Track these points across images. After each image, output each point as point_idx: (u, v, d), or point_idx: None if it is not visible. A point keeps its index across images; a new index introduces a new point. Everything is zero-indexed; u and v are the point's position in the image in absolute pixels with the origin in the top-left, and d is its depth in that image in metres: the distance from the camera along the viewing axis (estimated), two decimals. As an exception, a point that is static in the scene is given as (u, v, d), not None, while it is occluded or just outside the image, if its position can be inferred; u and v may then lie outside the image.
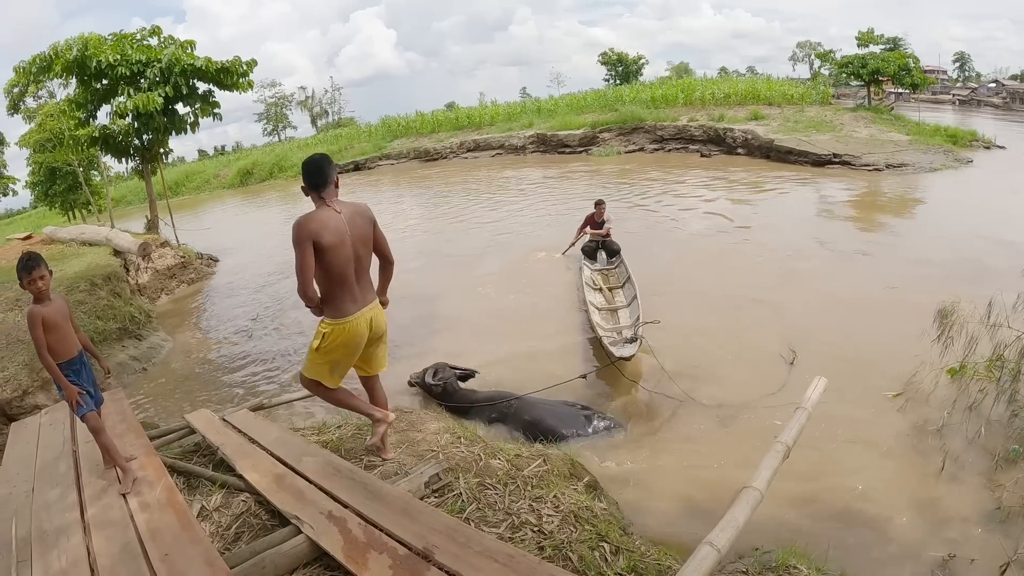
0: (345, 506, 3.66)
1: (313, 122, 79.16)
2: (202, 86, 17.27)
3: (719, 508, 4.70)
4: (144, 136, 17.52)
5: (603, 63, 54.64)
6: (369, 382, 4.31)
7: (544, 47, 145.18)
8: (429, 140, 38.21)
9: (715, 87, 31.44)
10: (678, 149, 27.02)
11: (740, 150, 24.35)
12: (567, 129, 31.15)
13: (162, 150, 18.67)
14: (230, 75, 16.69)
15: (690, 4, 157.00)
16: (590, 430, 6.23)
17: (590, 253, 11.70)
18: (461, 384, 7.27)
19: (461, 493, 3.85)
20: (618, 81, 52.06)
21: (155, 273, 15.41)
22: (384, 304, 4.22)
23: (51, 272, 4.37)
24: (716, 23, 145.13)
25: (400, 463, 4.29)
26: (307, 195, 3.84)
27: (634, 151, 28.14)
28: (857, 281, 9.72)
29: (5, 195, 43.86)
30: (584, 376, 7.36)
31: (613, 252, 11.55)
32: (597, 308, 9.40)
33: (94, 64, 15.74)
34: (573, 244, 12.39)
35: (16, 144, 29.28)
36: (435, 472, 3.99)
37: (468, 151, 35.08)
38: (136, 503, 4.00)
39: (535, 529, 3.53)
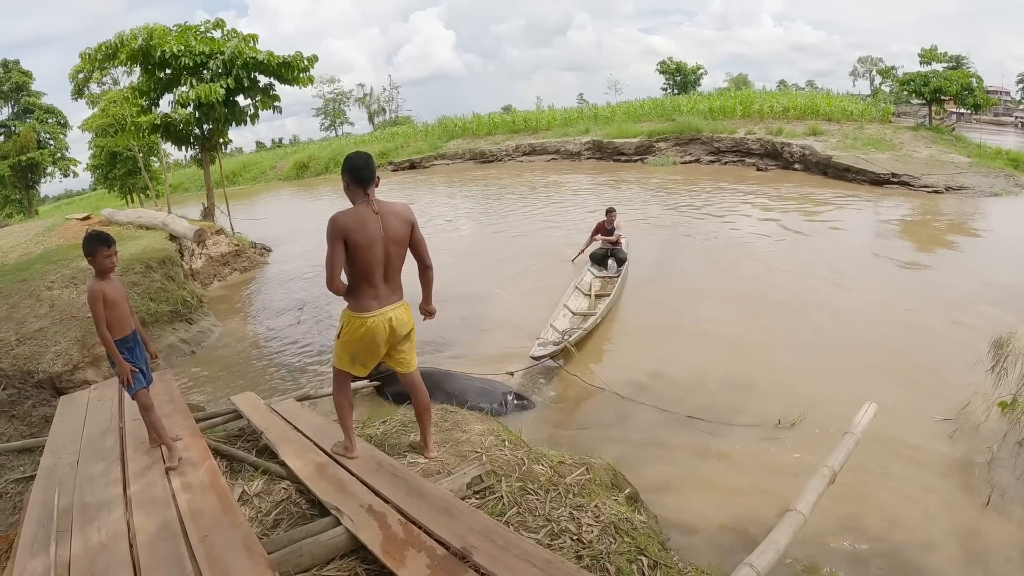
0: (386, 501, 3.65)
1: (370, 119, 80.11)
2: (263, 79, 17.54)
3: (755, 525, 4.62)
4: (204, 126, 17.85)
5: (661, 72, 54.22)
6: (406, 380, 4.28)
7: (602, 53, 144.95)
8: (485, 142, 38.39)
9: (774, 100, 30.90)
10: (734, 162, 26.64)
11: (797, 165, 23.90)
12: (623, 137, 30.90)
13: (221, 140, 19.06)
14: (291, 70, 16.95)
15: (750, 15, 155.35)
16: (501, 405, 6.90)
17: (599, 260, 11.85)
18: None
19: (502, 496, 3.81)
20: (676, 91, 51.59)
21: (209, 259, 15.73)
22: (430, 314, 4.31)
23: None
24: (776, 35, 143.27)
25: (443, 462, 4.27)
26: (347, 190, 3.87)
27: (690, 162, 27.83)
28: (911, 304, 9.45)
29: (66, 176, 45.76)
30: (511, 373, 7.83)
31: (621, 261, 11.64)
32: (571, 311, 9.60)
33: (158, 54, 16.10)
34: (582, 251, 12.43)
35: (79, 128, 30.27)
36: (478, 473, 3.97)
37: (523, 155, 35.13)
38: (179, 483, 4.04)
39: (574, 537, 3.48)
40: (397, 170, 39.07)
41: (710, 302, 10.12)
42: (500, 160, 35.48)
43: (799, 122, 27.71)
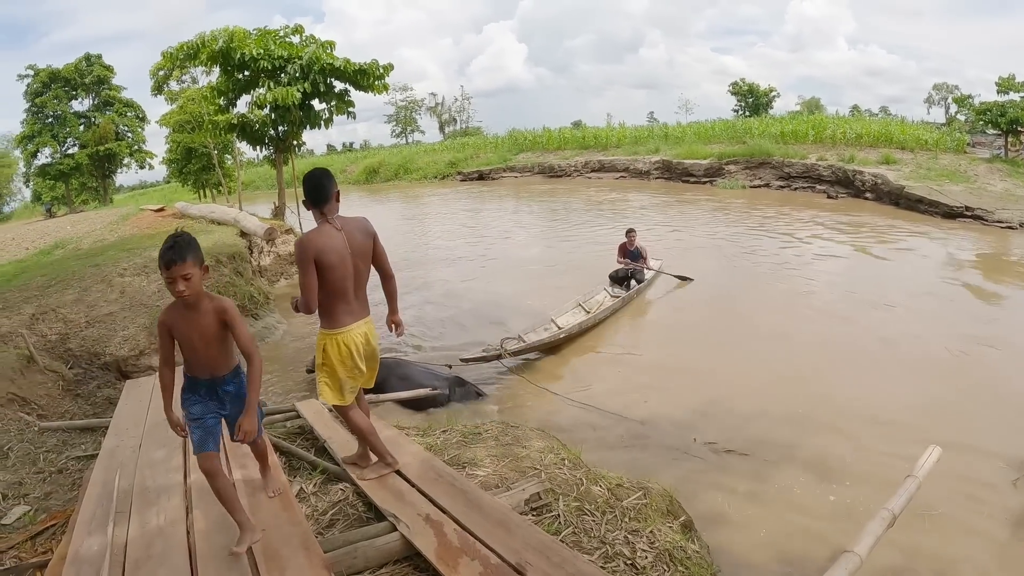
0: (443, 511, 3.64)
1: (441, 128, 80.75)
2: (339, 85, 17.82)
3: (809, 564, 4.48)
4: (280, 127, 18.24)
5: (733, 93, 53.72)
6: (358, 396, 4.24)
7: (674, 72, 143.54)
8: (554, 156, 38.34)
9: (846, 126, 30.07)
10: (804, 188, 26.02)
11: (868, 194, 23.24)
12: (693, 158, 30.50)
13: (295, 142, 19.43)
14: (367, 77, 17.19)
15: (824, 37, 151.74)
16: (450, 390, 7.69)
17: (618, 280, 11.91)
18: None
19: (559, 515, 3.77)
20: (747, 112, 51.00)
21: (277, 257, 16.07)
22: (398, 324, 4.34)
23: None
24: (849, 58, 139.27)
25: (502, 476, 4.24)
26: (308, 209, 3.85)
27: (759, 186, 27.31)
28: (980, 342, 9.04)
29: (142, 168, 47.44)
30: (450, 366, 8.45)
31: (640, 282, 11.75)
32: (556, 326, 9.84)
33: (238, 56, 16.51)
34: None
35: (157, 122, 31.30)
36: (537, 491, 3.94)
37: (592, 171, 34.98)
38: (240, 476, 4.09)
39: (628, 562, 3.42)
40: (465, 180, 39.43)
41: (768, 328, 9.91)
42: (568, 175, 35.38)
43: (872, 149, 26.98)
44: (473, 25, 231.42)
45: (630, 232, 12.13)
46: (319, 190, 3.77)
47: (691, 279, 12.28)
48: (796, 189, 26.24)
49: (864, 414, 6.99)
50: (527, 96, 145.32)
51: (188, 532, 3.59)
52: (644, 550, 3.54)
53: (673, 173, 31.17)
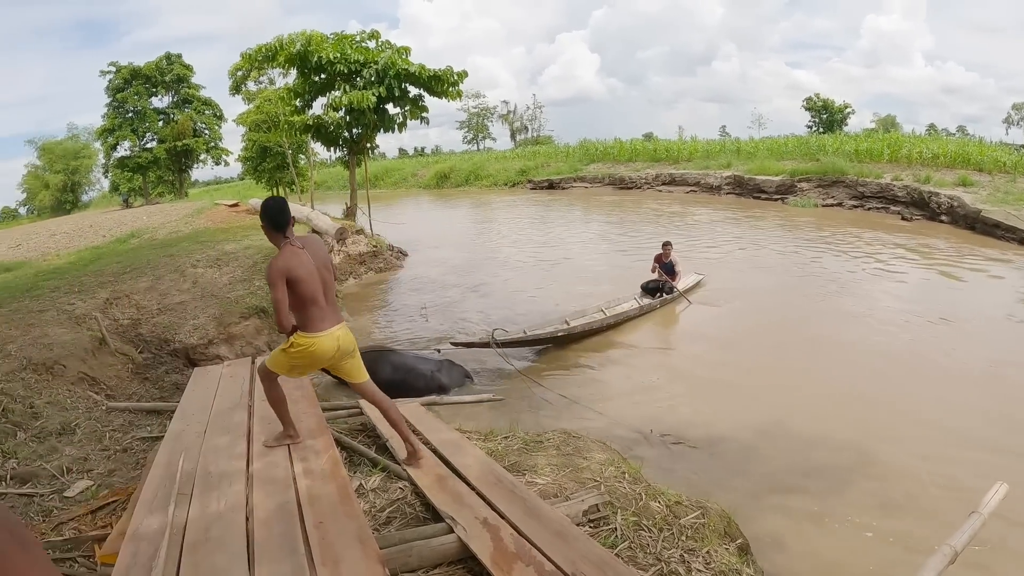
0: (501, 516, 3.61)
1: (512, 136, 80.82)
2: (413, 90, 18.17)
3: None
4: (354, 130, 18.70)
5: (807, 108, 52.80)
6: (361, 390, 4.48)
7: (747, 86, 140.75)
8: (625, 168, 37.83)
9: (923, 145, 28.90)
10: (878, 208, 25.10)
11: (944, 217, 22.35)
12: (765, 174, 29.73)
13: (369, 145, 19.83)
14: (441, 83, 17.51)
15: (901, 52, 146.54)
16: (437, 370, 8.20)
17: (649, 291, 12.00)
18: None
19: (616, 528, 3.72)
20: (821, 129, 49.92)
21: (347, 257, 16.29)
22: None
23: None
24: (926, 75, 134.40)
25: (561, 486, 4.20)
26: (267, 233, 4.24)
27: (832, 205, 26.44)
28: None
29: (218, 164, 49.04)
30: (438, 350, 9.22)
31: (667, 294, 11.93)
32: (567, 323, 10.24)
33: (315, 59, 17.02)
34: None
35: (233, 121, 32.24)
36: (595, 503, 3.88)
37: (663, 184, 34.41)
38: (301, 468, 4.13)
39: (682, 582, 3.33)
40: (535, 188, 39.36)
41: (831, 348, 9.61)
42: (639, 188, 34.93)
43: (948, 170, 25.95)
44: (546, 34, 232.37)
45: (666, 244, 12.23)
46: (282, 214, 4.18)
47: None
48: (869, 209, 25.38)
49: (930, 443, 6.73)
50: (599, 106, 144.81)
51: (247, 519, 3.63)
52: (699, 570, 3.47)
53: (744, 189, 30.49)
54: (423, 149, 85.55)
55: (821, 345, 9.77)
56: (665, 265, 12.10)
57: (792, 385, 8.37)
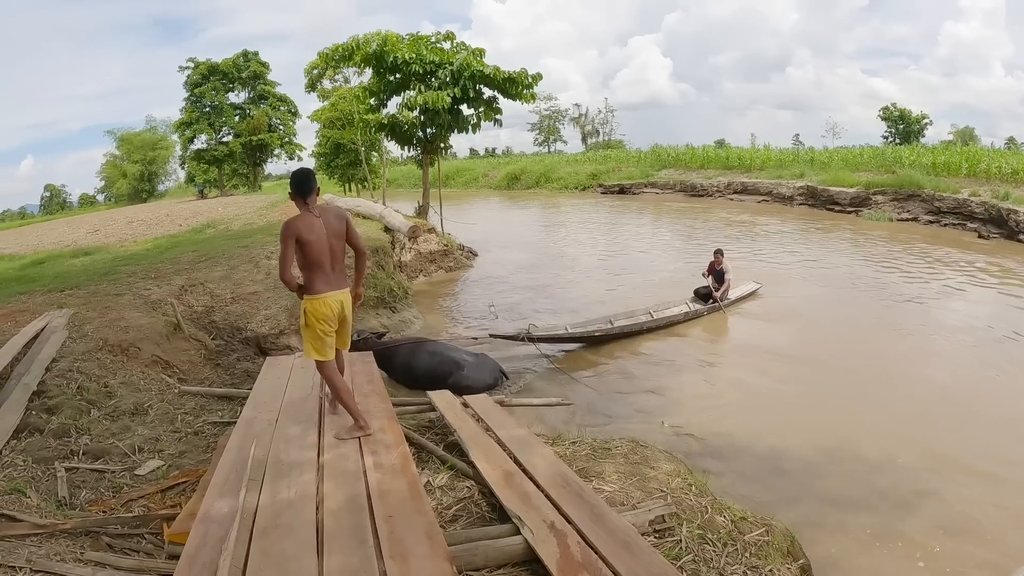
0: (568, 521, 3.61)
1: (583, 139, 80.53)
2: (487, 92, 18.33)
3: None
4: (428, 130, 18.88)
5: (883, 118, 51.33)
6: (338, 357, 4.95)
7: (821, 93, 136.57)
8: (697, 175, 37.32)
9: (1002, 160, 27.61)
10: (955, 225, 24.01)
11: (1022, 236, 21.44)
12: (839, 185, 28.82)
13: (442, 145, 20.10)
14: (515, 85, 17.56)
15: (980, 61, 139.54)
16: (474, 369, 8.14)
17: (701, 297, 12.19)
18: (378, 339, 8.68)
19: (681, 540, 3.68)
20: (897, 139, 48.46)
21: (418, 255, 16.54)
22: (359, 296, 5.06)
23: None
24: (1006, 85, 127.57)
25: (628, 494, 4.17)
26: (292, 200, 4.62)
27: (907, 220, 25.44)
28: None
29: (291, 159, 50.17)
30: (475, 339, 9.94)
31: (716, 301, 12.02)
32: (611, 323, 10.53)
33: (391, 59, 17.28)
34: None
35: (308, 117, 32.87)
36: (662, 513, 3.85)
37: (735, 192, 33.83)
38: (371, 461, 4.19)
39: (744, 599, 3.27)
40: (606, 193, 39.23)
41: (899, 368, 9.31)
42: (710, 195, 34.42)
43: (1029, 187, 24.83)
44: (618, 38, 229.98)
45: (717, 252, 12.22)
46: (307, 182, 4.59)
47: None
48: (945, 225, 24.36)
49: (1003, 468, 6.46)
50: (670, 111, 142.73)
51: (317, 508, 3.70)
52: (761, 588, 3.38)
53: (817, 200, 29.63)
54: (493, 150, 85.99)
55: (886, 364, 9.48)
56: (716, 273, 12.12)
57: (855, 405, 8.13)
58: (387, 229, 15.88)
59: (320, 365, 4.69)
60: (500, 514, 3.79)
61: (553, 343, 9.90)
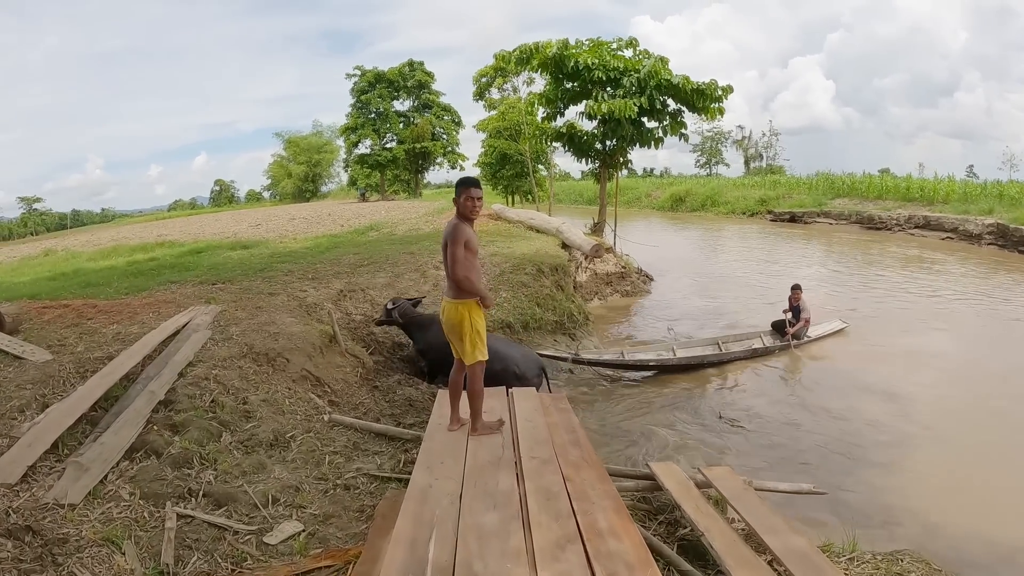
0: None
1: (746, 163, 77.30)
2: (672, 104, 16.89)
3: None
4: (608, 141, 17.61)
5: (1066, 150, 45.10)
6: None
7: (992, 120, 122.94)
8: (873, 206, 33.73)
9: None
10: None
11: None
12: (1034, 225, 24.70)
13: (622, 159, 18.65)
14: (704, 98, 16.03)
15: None
16: (520, 364, 7.35)
17: (779, 330, 11.67)
18: (414, 308, 8.25)
19: None
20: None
21: (593, 275, 15.15)
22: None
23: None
24: None
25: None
26: (456, 203, 4.60)
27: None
28: None
29: (454, 168, 51.06)
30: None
31: (793, 336, 11.38)
32: (673, 352, 10.01)
33: (571, 64, 16.12)
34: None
35: (474, 127, 32.68)
36: None
37: (916, 227, 30.18)
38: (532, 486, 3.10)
39: None
40: (776, 220, 36.49)
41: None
42: (888, 229, 30.61)
43: None
44: (779, 58, 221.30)
45: (795, 288, 11.69)
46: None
47: None
48: None
49: None
50: (832, 137, 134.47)
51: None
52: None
53: (1008, 240, 25.18)
54: (652, 170, 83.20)
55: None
56: (794, 308, 11.59)
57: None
58: (564, 246, 14.54)
59: (480, 365, 4.60)
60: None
61: (606, 368, 9.36)
